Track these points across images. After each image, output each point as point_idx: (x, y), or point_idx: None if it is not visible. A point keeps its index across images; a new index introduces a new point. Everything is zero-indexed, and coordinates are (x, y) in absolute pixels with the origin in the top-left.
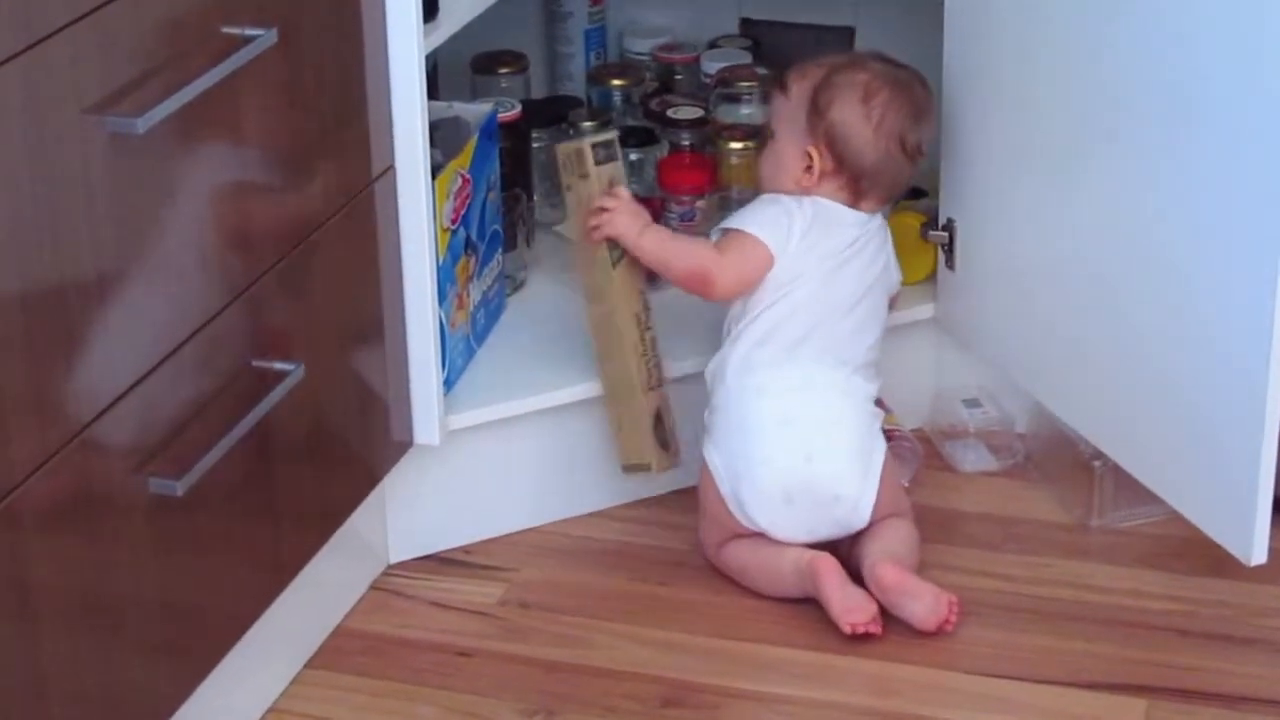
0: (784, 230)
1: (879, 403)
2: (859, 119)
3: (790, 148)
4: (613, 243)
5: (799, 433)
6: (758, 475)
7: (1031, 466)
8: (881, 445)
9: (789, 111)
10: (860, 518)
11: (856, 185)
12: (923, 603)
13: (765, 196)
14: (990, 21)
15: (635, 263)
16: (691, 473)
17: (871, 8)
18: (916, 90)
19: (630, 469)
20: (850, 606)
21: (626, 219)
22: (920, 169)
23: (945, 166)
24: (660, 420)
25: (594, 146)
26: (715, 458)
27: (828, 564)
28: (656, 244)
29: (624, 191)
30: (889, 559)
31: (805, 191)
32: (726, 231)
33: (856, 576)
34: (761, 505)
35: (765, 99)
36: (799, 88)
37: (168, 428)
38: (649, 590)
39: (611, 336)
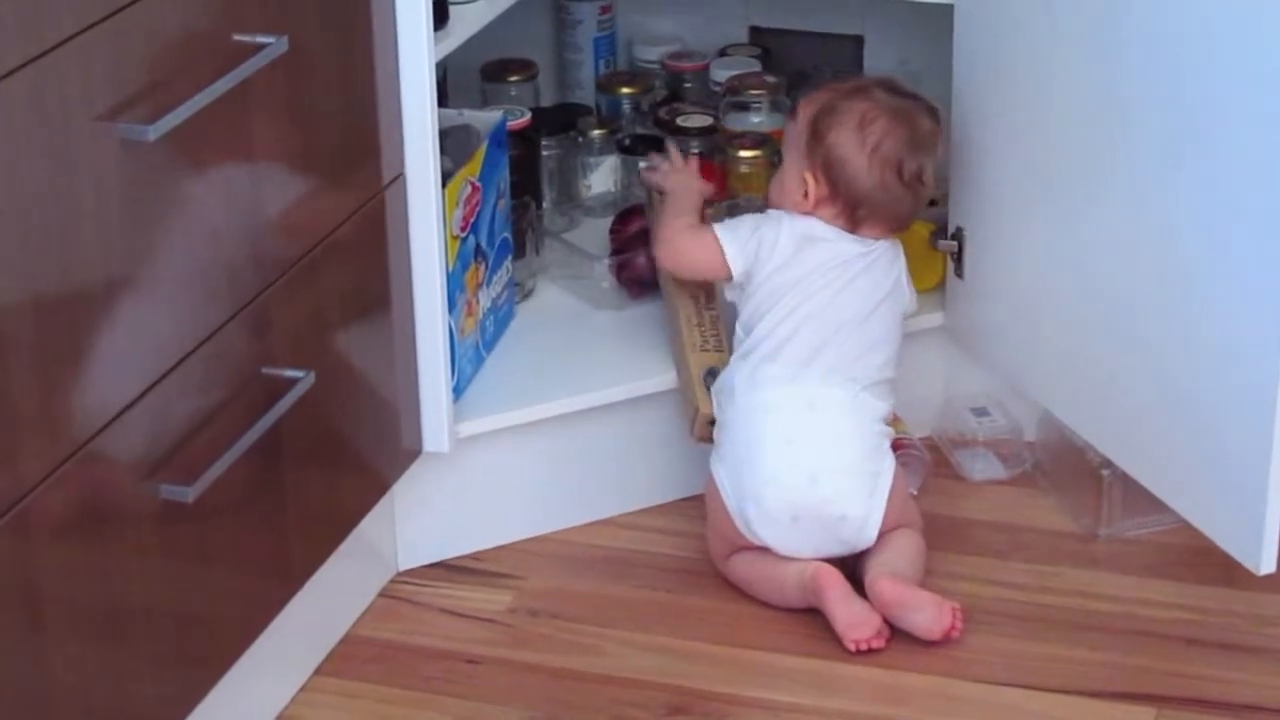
0: (751, 249)
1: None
2: (853, 146)
3: (792, 171)
4: None
5: (804, 453)
6: (763, 495)
7: (1040, 475)
8: (890, 464)
9: (794, 136)
10: (866, 537)
11: (853, 212)
12: (925, 614)
13: (765, 213)
14: (1001, 30)
15: None
16: (699, 480)
17: (881, 16)
18: (918, 119)
19: (691, 424)
20: (854, 622)
21: (665, 177)
22: (924, 198)
23: (955, 175)
24: (714, 373)
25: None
26: (722, 474)
27: (831, 577)
28: (668, 201)
29: (692, 164)
30: (888, 573)
31: (804, 216)
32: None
33: (862, 587)
34: (767, 524)
35: (775, 107)
36: (804, 113)
37: (178, 435)
38: (657, 598)
39: (672, 316)
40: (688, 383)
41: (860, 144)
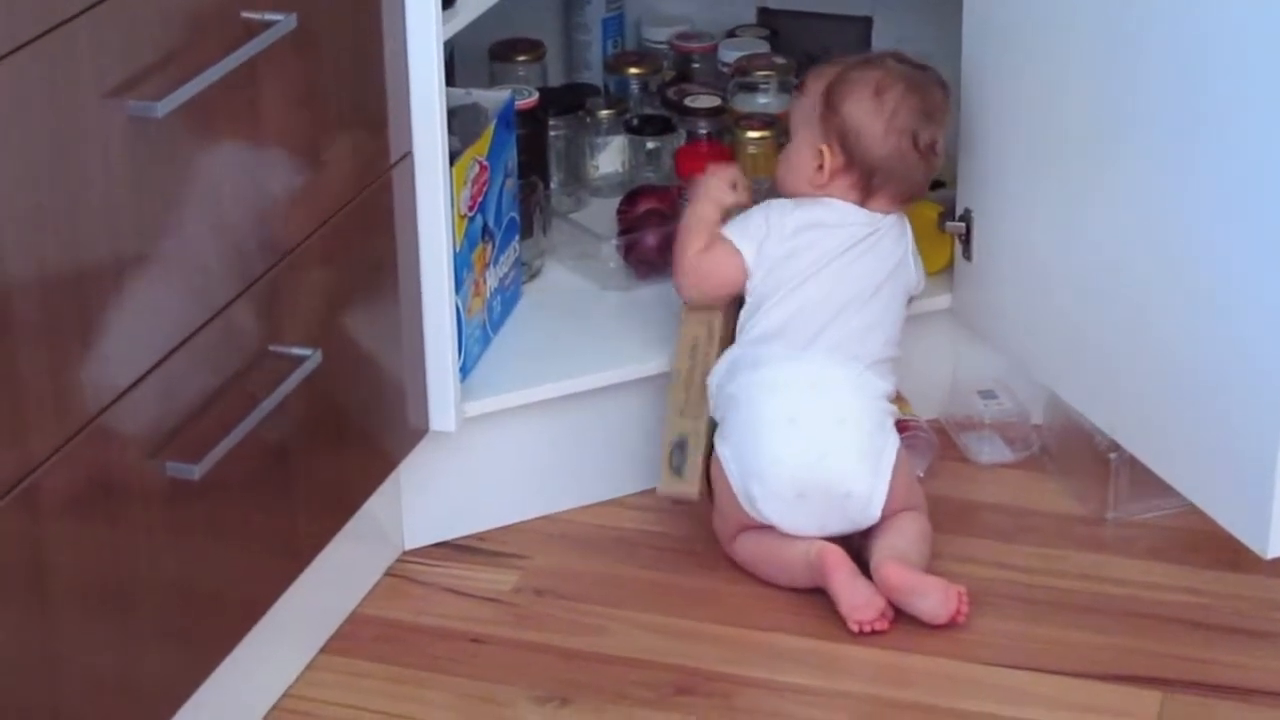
0: (764, 241)
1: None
2: (870, 114)
3: (804, 147)
4: None
5: (808, 431)
6: (768, 474)
7: (1047, 458)
8: (894, 442)
9: (804, 111)
10: (871, 515)
11: (868, 183)
12: (931, 598)
13: (765, 201)
14: (1009, 11)
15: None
16: None
17: None
18: (931, 90)
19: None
20: (857, 604)
21: (704, 187)
22: (936, 169)
23: (963, 157)
24: (682, 446)
25: None
26: (726, 453)
27: (836, 557)
28: (686, 223)
29: (737, 178)
30: (894, 558)
31: (819, 190)
32: (721, 236)
33: (868, 567)
34: (772, 502)
35: (783, 88)
36: (814, 87)
37: (185, 413)
38: (663, 578)
39: (674, 356)
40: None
41: (877, 111)
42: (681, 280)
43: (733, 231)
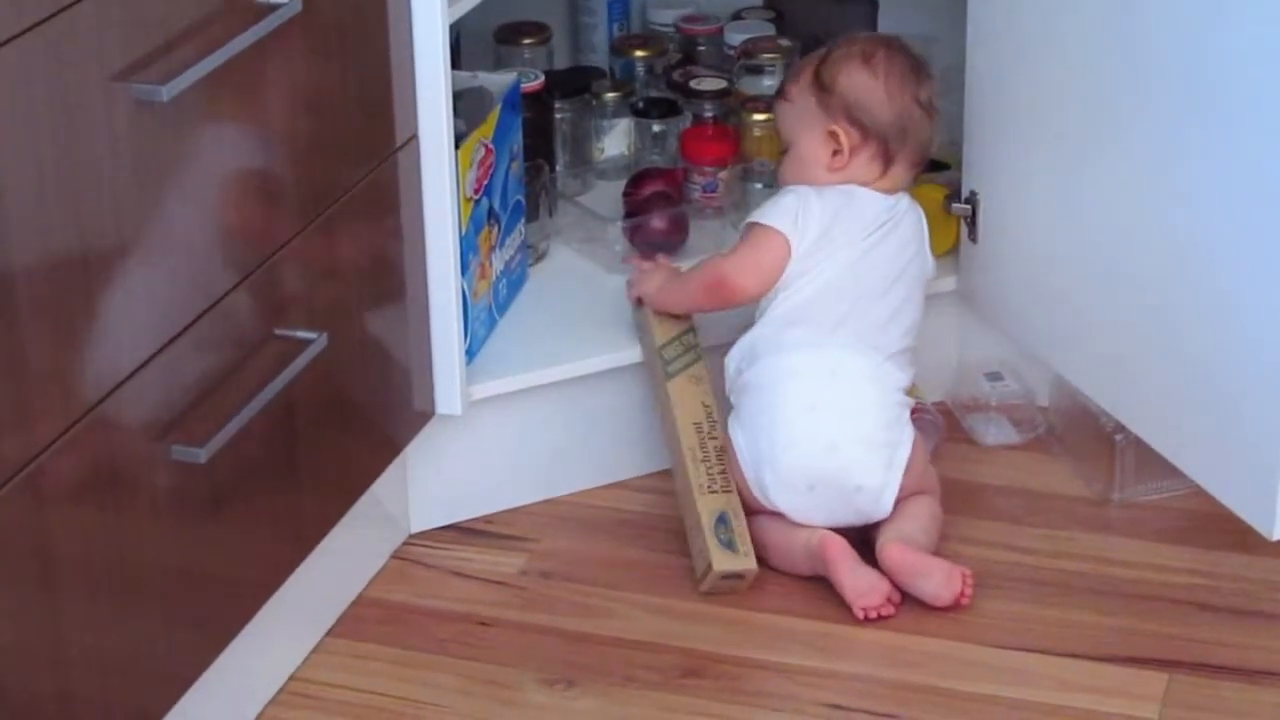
0: (798, 217)
1: None
2: (867, 82)
3: (811, 142)
4: (666, 357)
5: (824, 420)
6: (780, 461)
7: (1053, 440)
8: (909, 435)
9: (797, 110)
10: (882, 508)
11: (886, 150)
12: (934, 580)
13: (788, 186)
14: None
15: (696, 377)
16: None
17: None
18: (909, 50)
19: (701, 577)
20: (861, 590)
21: (649, 278)
22: (938, 128)
23: (968, 139)
24: (724, 521)
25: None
26: (739, 437)
27: (837, 547)
28: (673, 284)
29: (662, 260)
30: (897, 540)
31: (839, 176)
32: (748, 227)
33: (875, 552)
34: (783, 490)
35: (788, 71)
36: (798, 85)
37: (190, 396)
38: (670, 561)
39: (673, 445)
40: (695, 529)
41: (873, 78)
42: (733, 281)
43: (764, 215)
